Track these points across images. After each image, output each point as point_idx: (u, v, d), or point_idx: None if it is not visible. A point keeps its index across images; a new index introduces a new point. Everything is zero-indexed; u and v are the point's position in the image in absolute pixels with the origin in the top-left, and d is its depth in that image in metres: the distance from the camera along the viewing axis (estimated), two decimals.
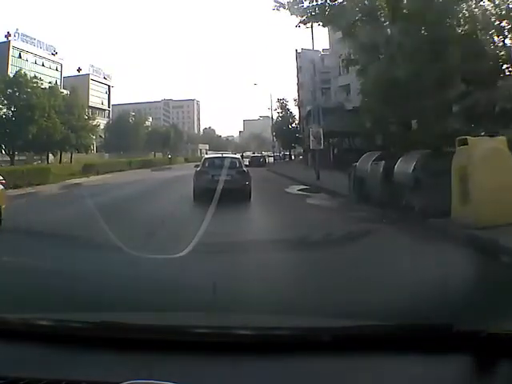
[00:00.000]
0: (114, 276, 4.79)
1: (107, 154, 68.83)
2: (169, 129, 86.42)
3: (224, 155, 17.78)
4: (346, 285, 4.60)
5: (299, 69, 64.89)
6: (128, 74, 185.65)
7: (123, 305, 3.25)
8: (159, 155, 75.86)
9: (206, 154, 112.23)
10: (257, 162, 45.40)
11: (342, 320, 2.13)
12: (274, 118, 60.09)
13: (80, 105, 48.19)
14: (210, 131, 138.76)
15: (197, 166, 15.56)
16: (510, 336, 1.66)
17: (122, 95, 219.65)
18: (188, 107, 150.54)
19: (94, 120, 51.97)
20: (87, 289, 4.12)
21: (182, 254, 4.90)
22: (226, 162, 15.36)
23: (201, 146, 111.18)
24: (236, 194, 13.34)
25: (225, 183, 12.46)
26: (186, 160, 65.28)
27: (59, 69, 74.99)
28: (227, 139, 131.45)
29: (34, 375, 1.59)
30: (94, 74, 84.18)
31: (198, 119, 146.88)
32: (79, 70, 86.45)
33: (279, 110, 63.73)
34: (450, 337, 1.70)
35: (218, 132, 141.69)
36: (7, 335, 1.87)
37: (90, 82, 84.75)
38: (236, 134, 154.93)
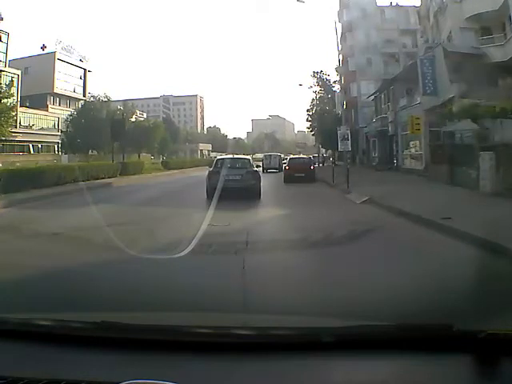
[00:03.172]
0: (114, 276, 4.88)
1: (66, 156, 53.40)
2: (158, 123, 68.27)
3: (235, 156, 19.94)
4: (346, 284, 4.44)
5: (346, 27, 39.38)
6: (125, 69, 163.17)
7: (123, 305, 3.12)
8: (146, 156, 61.22)
9: (209, 155, 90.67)
10: (300, 172, 24.04)
11: (342, 320, 2.14)
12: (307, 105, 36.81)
13: None
14: (214, 130, 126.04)
15: (210, 167, 17.60)
16: (509, 336, 1.73)
17: (120, 91, 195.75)
18: (190, 104, 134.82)
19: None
20: (87, 289, 4.09)
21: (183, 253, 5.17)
22: (237, 163, 17.36)
23: (202, 145, 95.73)
24: (245, 193, 15.11)
25: (235, 182, 15.02)
26: (166, 166, 43.26)
27: (4, 40, 56.03)
28: (234, 139, 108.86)
29: (34, 375, 1.66)
30: (64, 53, 66.35)
31: (202, 117, 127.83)
32: (44, 47, 66.81)
33: (316, 89, 39.55)
34: (449, 337, 1.76)
35: (223, 132, 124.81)
36: (7, 335, 1.93)
37: (58, 63, 65.60)
38: (243, 135, 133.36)
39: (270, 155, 41.41)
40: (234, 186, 14.82)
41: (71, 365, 1.72)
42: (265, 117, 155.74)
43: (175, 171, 38.77)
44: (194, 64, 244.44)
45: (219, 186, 12.70)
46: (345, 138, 20.28)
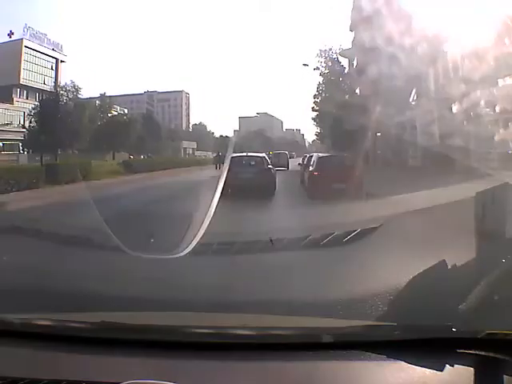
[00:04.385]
0: (114, 276, 4.68)
1: (26, 155, 46.82)
2: (133, 118, 62.53)
3: (249, 154, 19.49)
4: (346, 284, 4.33)
5: None
6: (108, 64, 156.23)
7: (123, 305, 3.08)
8: (124, 155, 53.57)
9: (193, 153, 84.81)
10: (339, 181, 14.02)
11: (342, 320, 2.16)
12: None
13: None
14: (200, 127, 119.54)
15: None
16: (509, 336, 1.73)
17: (103, 88, 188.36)
18: (175, 100, 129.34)
19: None
20: (87, 288, 3.91)
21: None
22: (251, 161, 17.32)
23: (185, 143, 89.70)
24: (260, 190, 15.12)
25: (249, 180, 15.03)
26: (128, 168, 32.53)
27: None
28: (221, 137, 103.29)
29: (34, 375, 1.68)
30: (33, 40, 60.30)
31: (188, 114, 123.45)
32: (11, 34, 60.46)
33: (324, 70, 36.39)
34: (449, 337, 1.78)
35: (210, 129, 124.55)
36: (7, 335, 1.93)
37: (26, 51, 59.56)
38: (230, 133, 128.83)
39: (279, 153, 41.62)
40: (248, 184, 15.10)
41: (71, 365, 1.74)
42: (252, 114, 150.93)
43: (142, 175, 28.77)
44: (180, 58, 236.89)
45: (232, 183, 12.72)
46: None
